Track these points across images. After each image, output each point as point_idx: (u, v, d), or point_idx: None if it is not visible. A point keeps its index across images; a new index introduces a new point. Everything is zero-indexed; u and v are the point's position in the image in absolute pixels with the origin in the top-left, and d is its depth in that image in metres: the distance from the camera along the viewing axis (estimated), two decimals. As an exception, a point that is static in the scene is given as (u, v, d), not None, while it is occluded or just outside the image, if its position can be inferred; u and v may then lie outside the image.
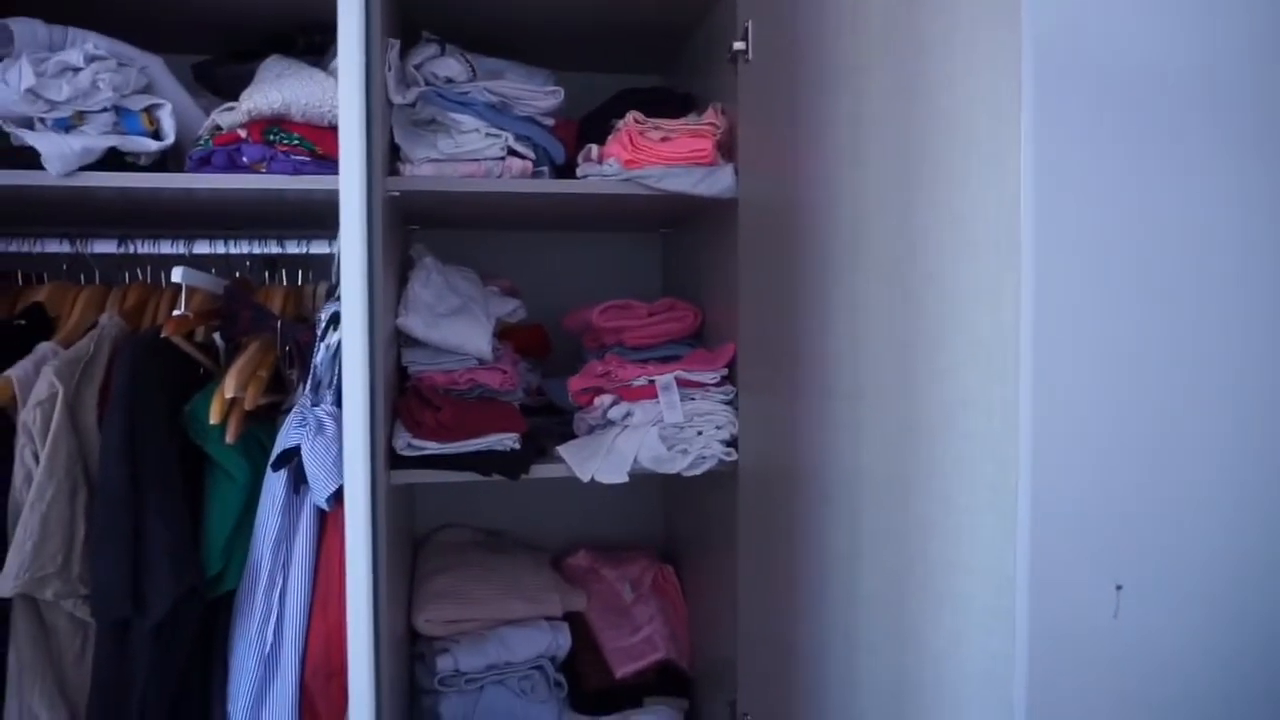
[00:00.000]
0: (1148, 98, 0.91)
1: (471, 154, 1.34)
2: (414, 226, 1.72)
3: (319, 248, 1.45)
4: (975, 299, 0.86)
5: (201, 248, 1.42)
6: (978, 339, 0.86)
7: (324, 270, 1.49)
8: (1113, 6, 0.91)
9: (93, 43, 1.22)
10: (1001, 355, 0.82)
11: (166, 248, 1.41)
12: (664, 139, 1.35)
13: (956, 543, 0.89)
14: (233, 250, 1.43)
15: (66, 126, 1.21)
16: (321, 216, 1.34)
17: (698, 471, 1.35)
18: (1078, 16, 0.90)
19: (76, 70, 1.20)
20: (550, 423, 1.53)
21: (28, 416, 1.13)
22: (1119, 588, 0.92)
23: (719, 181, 1.35)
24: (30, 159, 1.20)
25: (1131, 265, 0.90)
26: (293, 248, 1.45)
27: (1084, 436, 0.89)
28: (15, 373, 1.17)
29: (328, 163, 1.28)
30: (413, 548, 1.75)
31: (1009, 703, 0.82)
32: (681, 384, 1.36)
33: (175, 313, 1.29)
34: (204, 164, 1.27)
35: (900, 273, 0.98)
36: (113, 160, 1.25)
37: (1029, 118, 0.77)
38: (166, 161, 1.31)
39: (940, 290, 0.91)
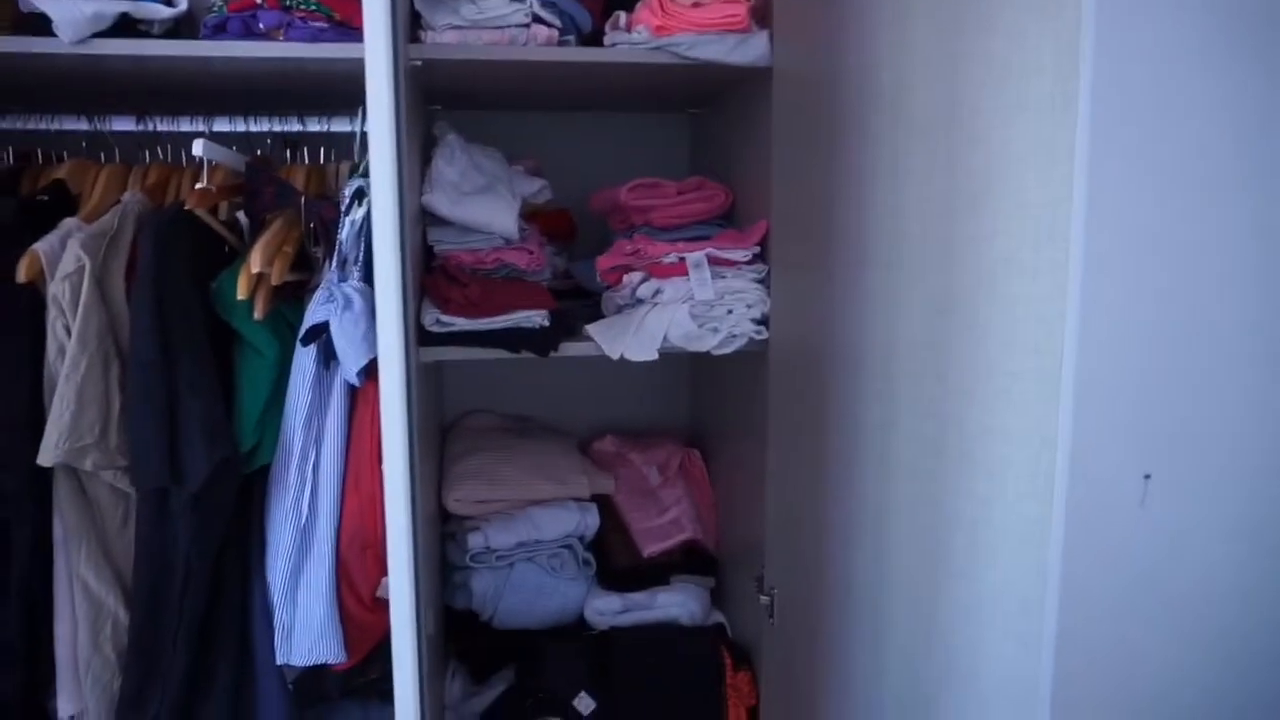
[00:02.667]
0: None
1: (495, 20, 1.28)
2: (436, 106, 1.68)
3: (340, 125, 1.42)
4: (1024, 159, 0.82)
5: (221, 125, 1.39)
6: (1025, 201, 0.82)
7: (345, 149, 1.46)
8: None
9: (98, -99, 1.17)
10: (1051, 216, 0.78)
11: (186, 125, 1.39)
12: (695, 4, 1.28)
13: (995, 409, 0.87)
14: (253, 128, 1.41)
15: (77, -9, 1.17)
16: (341, 93, 1.31)
17: (728, 350, 1.34)
18: None
19: (83, -69, 1.15)
20: (578, 305, 1.51)
21: (56, 289, 1.13)
22: (1147, 477, 0.90)
23: (753, 49, 1.29)
24: (43, 27, 1.16)
25: (1191, 143, 0.85)
26: (314, 125, 1.42)
27: (1129, 306, 0.86)
28: (41, 247, 1.16)
29: (346, 30, 1.24)
30: (440, 433, 1.77)
31: (1042, 566, 0.82)
32: (712, 261, 1.33)
33: (198, 186, 1.27)
34: (219, 31, 1.23)
35: (943, 135, 0.94)
36: (125, 29, 1.21)
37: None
38: (180, 30, 1.27)
39: (986, 152, 0.87)
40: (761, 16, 1.31)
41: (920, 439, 1.00)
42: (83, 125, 1.36)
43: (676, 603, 1.60)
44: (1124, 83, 0.82)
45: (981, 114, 0.88)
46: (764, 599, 1.37)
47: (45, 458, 1.12)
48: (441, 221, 1.38)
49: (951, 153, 0.91)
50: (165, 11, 1.22)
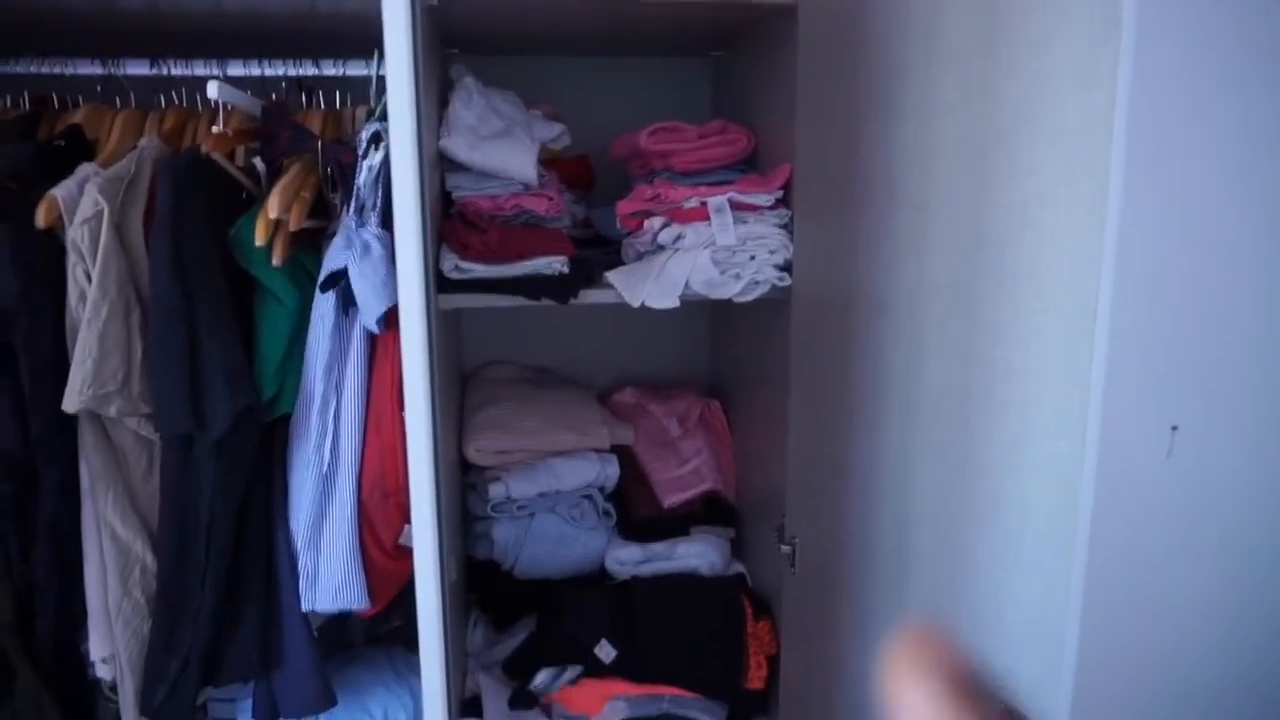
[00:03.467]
0: None
1: (512, -44, 1.25)
2: (452, 50, 1.65)
3: (356, 69, 1.39)
4: (1061, 86, 0.79)
5: (235, 69, 1.37)
6: (1061, 131, 0.79)
7: (361, 94, 1.44)
8: None
9: None
10: (1089, 145, 0.76)
11: (200, 69, 1.37)
12: (719, -61, 1.25)
13: (1024, 348, 0.85)
14: (268, 72, 1.39)
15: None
16: (355, 36, 1.28)
17: (750, 297, 1.32)
18: None
19: None
20: (598, 253, 1.49)
21: (75, 234, 1.12)
22: (1175, 428, 0.88)
23: (777, -14, 1.25)
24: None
25: (1242, 65, 0.81)
26: (329, 69, 1.40)
27: (1167, 247, 0.83)
28: (59, 192, 1.15)
29: (360, -31, 1.21)
30: (460, 384, 1.77)
31: (1072, 509, 0.80)
32: (734, 207, 1.31)
33: (214, 130, 1.25)
34: (232, -29, 1.21)
35: (977, 64, 0.90)
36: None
37: None
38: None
39: (1022, 80, 0.84)
40: (787, -50, 1.27)
41: (947, 382, 0.98)
42: (97, 69, 1.35)
43: (696, 553, 1.60)
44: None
45: (1018, 39, 0.84)
46: (784, 549, 1.37)
47: (70, 403, 1.12)
48: (459, 167, 1.36)
49: (985, 83, 0.88)
50: (177, -48, 1.20)
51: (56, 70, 1.33)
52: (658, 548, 1.62)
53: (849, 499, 1.21)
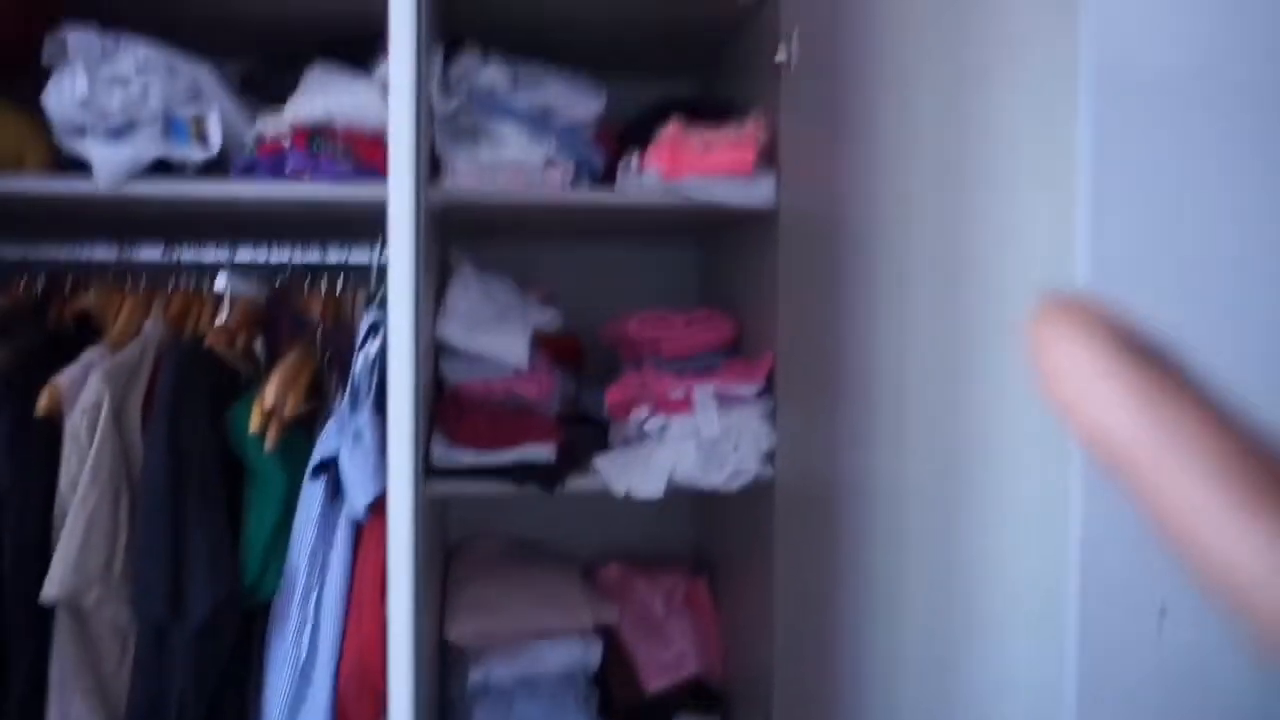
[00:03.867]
0: None
1: (513, 163, 1.34)
2: (451, 233, 1.73)
3: (359, 256, 1.46)
4: (1023, 295, 0.84)
5: (244, 255, 1.44)
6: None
7: (362, 278, 1.50)
8: None
9: (143, 51, 1.24)
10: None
11: (210, 255, 1.43)
12: (705, 149, 1.34)
13: (1002, 555, 0.87)
14: (275, 258, 1.45)
15: (117, 134, 1.23)
16: (360, 224, 1.35)
17: (735, 486, 1.34)
18: None
19: (127, 81, 1.22)
20: (586, 433, 1.52)
21: (75, 423, 1.15)
22: (1164, 612, 0.89)
23: (759, 192, 1.34)
24: (80, 165, 1.22)
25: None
26: (334, 256, 1.46)
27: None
28: (63, 379, 1.19)
29: (369, 172, 1.29)
30: (444, 562, 1.75)
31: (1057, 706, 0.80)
32: (719, 398, 1.35)
33: (218, 323, 1.30)
34: (249, 172, 1.28)
35: (947, 293, 0.96)
36: (159, 166, 1.26)
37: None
38: (212, 168, 1.33)
39: (984, 284, 0.90)
40: (768, 159, 1.36)
41: (929, 587, 0.99)
42: (112, 255, 1.40)
43: (681, 743, 1.55)
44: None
45: (983, 261, 0.90)
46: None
47: (50, 593, 1.11)
48: (453, 351, 1.40)
49: (959, 304, 0.94)
50: (199, 154, 1.27)
51: (74, 256, 1.38)
52: (641, 735, 1.56)
53: (836, 689, 1.19)
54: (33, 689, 1.16)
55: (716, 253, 1.79)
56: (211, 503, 1.17)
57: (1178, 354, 0.22)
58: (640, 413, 1.36)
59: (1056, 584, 0.80)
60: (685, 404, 1.34)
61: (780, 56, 1.29)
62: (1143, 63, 0.84)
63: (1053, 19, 0.80)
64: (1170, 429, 0.19)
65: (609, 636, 1.61)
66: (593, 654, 1.56)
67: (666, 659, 1.59)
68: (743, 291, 1.58)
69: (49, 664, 1.17)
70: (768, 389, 1.40)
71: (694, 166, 1.33)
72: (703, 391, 1.33)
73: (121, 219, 1.47)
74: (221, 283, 1.28)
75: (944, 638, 0.96)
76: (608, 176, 1.44)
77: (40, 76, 1.23)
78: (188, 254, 1.43)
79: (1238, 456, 0.19)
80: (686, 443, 1.32)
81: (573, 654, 1.54)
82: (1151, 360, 0.21)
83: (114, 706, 1.19)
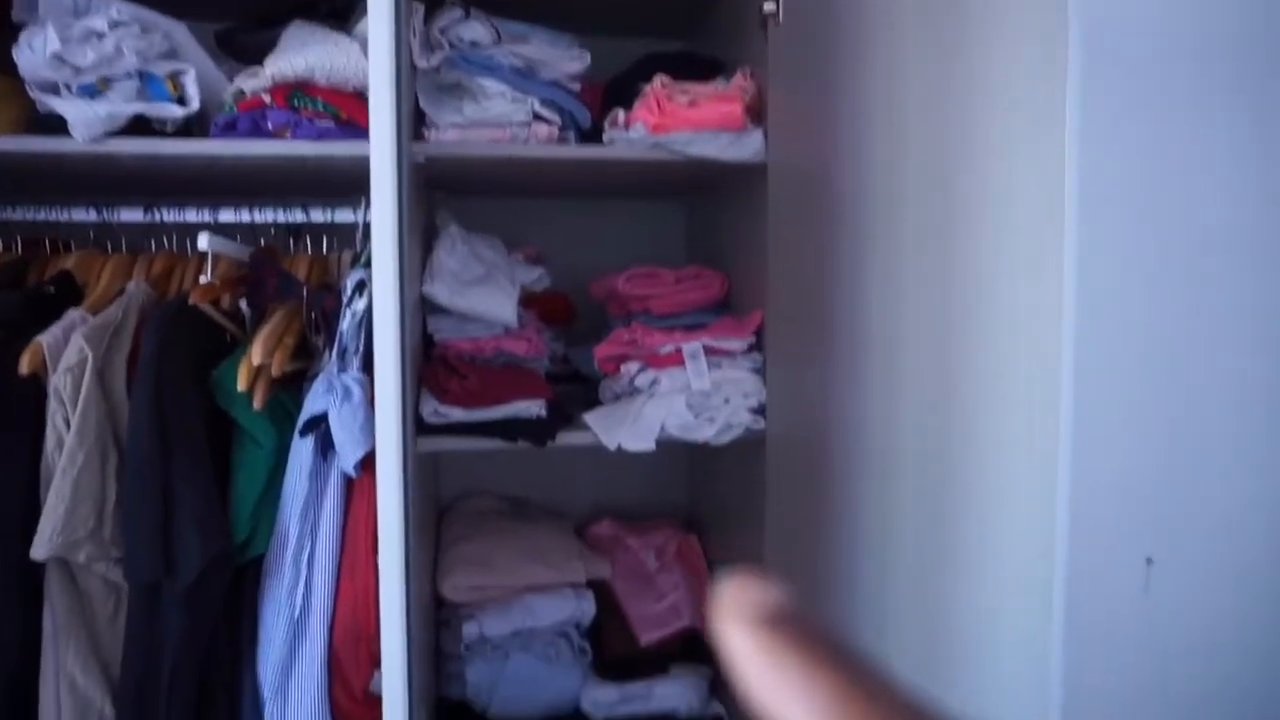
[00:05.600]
0: None
1: (497, 119, 1.32)
2: (438, 192, 1.71)
3: (343, 215, 1.44)
4: (1013, 271, 0.84)
5: (226, 216, 1.42)
6: (1016, 307, 0.84)
7: (348, 238, 1.49)
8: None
9: (116, 8, 1.21)
10: (1044, 327, 0.80)
11: (192, 216, 1.41)
12: (691, 103, 1.33)
13: (995, 501, 0.88)
14: (258, 218, 1.43)
15: (92, 93, 1.21)
16: (343, 184, 1.34)
17: (725, 440, 1.34)
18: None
19: (101, 36, 1.19)
20: (576, 390, 1.52)
21: (59, 381, 1.14)
22: (1149, 561, 0.90)
23: (747, 146, 1.33)
24: (57, 126, 1.20)
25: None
26: (317, 215, 1.45)
27: (1125, 403, 0.87)
28: (45, 338, 1.17)
29: (352, 128, 1.28)
30: (437, 516, 1.76)
31: (1045, 662, 0.81)
32: (709, 352, 1.35)
33: (202, 279, 1.29)
34: (229, 130, 1.26)
35: (938, 241, 0.96)
36: (138, 126, 1.24)
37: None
38: (191, 127, 1.31)
39: (980, 260, 0.89)
40: (756, 115, 1.35)
41: (920, 534, 1.00)
42: (92, 216, 1.39)
43: (674, 693, 1.57)
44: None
45: (975, 215, 0.90)
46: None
47: (39, 551, 1.11)
48: (441, 310, 1.40)
49: (945, 253, 0.94)
50: (178, 111, 1.25)
51: (51, 217, 1.36)
52: (635, 688, 1.58)
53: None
54: (25, 647, 1.16)
55: (704, 211, 1.78)
56: (199, 460, 1.16)
57: (809, 622, 0.28)
58: (630, 368, 1.36)
59: (1046, 533, 0.80)
60: (675, 359, 1.34)
61: (769, 6, 1.28)
62: (1132, 12, 0.83)
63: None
64: (787, 693, 0.27)
65: (602, 591, 1.63)
66: (586, 608, 1.58)
67: (659, 612, 1.61)
68: (731, 249, 1.57)
69: (41, 622, 1.17)
70: (758, 344, 1.40)
71: (682, 121, 1.32)
72: (692, 346, 1.33)
73: (101, 180, 1.45)
74: (204, 242, 1.26)
75: (934, 588, 0.97)
76: (594, 133, 1.42)
77: (9, 35, 1.20)
78: (169, 215, 1.42)
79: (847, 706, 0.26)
80: (677, 397, 1.32)
81: (566, 608, 1.56)
82: (787, 636, 0.28)
83: (107, 663, 1.19)
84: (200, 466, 1.16)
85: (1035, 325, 0.80)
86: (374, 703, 1.21)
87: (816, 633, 0.28)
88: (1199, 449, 0.83)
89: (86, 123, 1.17)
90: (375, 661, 1.20)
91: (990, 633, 0.88)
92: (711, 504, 1.77)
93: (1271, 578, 0.86)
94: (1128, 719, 0.83)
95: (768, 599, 0.31)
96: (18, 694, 1.17)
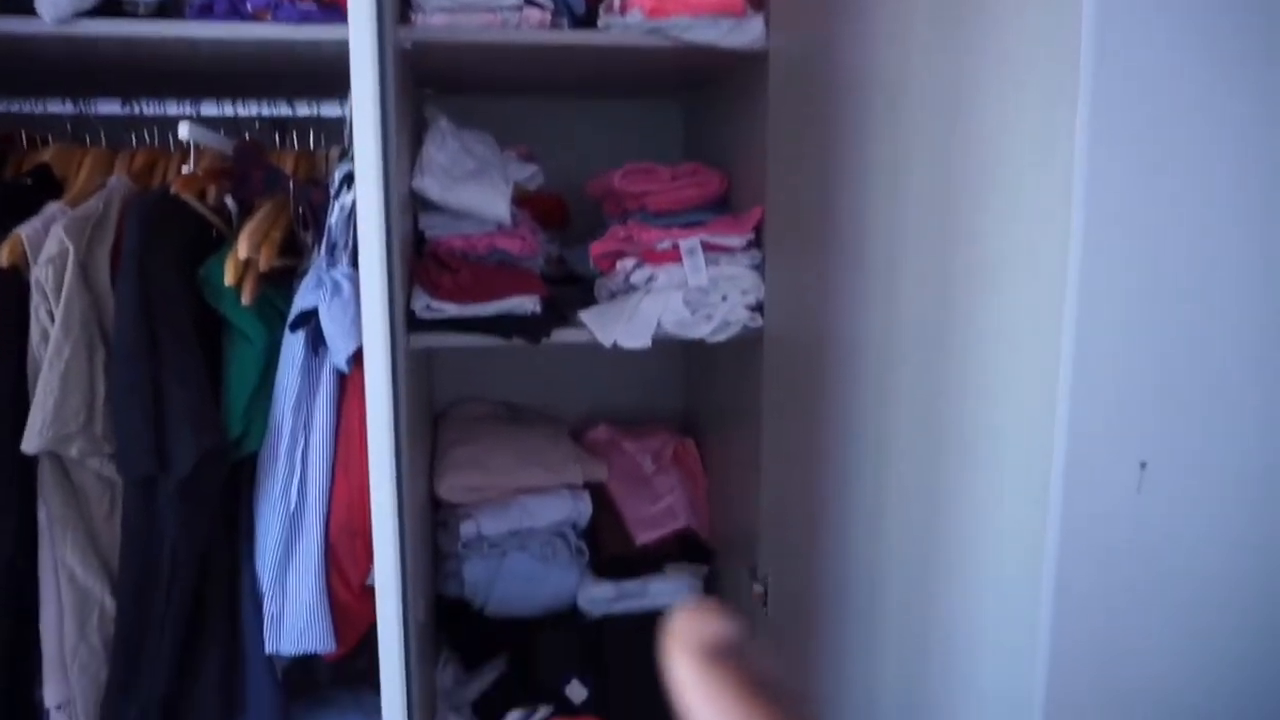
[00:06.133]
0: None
1: (487, 3, 1.26)
2: (427, 91, 1.66)
3: (330, 110, 1.39)
4: (1023, 152, 0.81)
5: (209, 109, 1.37)
6: (1023, 194, 0.81)
7: (336, 134, 1.44)
8: None
9: (81, -122, 1.15)
10: (1049, 205, 0.77)
11: (172, 109, 1.36)
12: (690, -14, 1.26)
13: (994, 398, 0.86)
14: (241, 112, 1.38)
15: (59, -30, 1.15)
16: (331, 76, 1.28)
17: (722, 337, 1.33)
18: None
19: (64, -93, 1.13)
20: (571, 292, 1.50)
21: (39, 273, 1.11)
22: (1144, 465, 0.89)
23: (748, 33, 1.27)
24: (25, 7, 1.14)
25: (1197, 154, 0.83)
26: (303, 109, 1.40)
27: (1129, 292, 0.85)
28: (24, 230, 1.14)
29: (335, 11, 1.22)
30: (432, 421, 1.75)
31: (1039, 555, 0.81)
32: (706, 248, 1.32)
33: (184, 169, 1.25)
34: (206, 12, 1.21)
35: (943, 124, 0.92)
36: (110, 9, 1.19)
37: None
38: (166, 9, 1.25)
39: (985, 144, 0.86)
40: (757, 0, 1.29)
41: (918, 426, 0.99)
42: (68, 108, 1.34)
43: (670, 591, 1.59)
44: (1127, 72, 0.81)
45: (982, 103, 0.86)
46: (757, 588, 1.36)
47: (29, 444, 1.10)
48: (432, 207, 1.36)
49: (951, 144, 0.90)
50: (150, -9, 1.20)
51: (26, 109, 1.31)
52: (631, 586, 1.61)
53: (821, 539, 1.21)
54: (21, 542, 1.16)
55: (702, 110, 1.72)
56: (189, 354, 1.14)
57: (751, 659, 0.32)
58: (626, 264, 1.34)
59: (1043, 433, 0.79)
60: (672, 255, 1.31)
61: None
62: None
63: None
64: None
65: (598, 494, 1.64)
66: (583, 509, 1.59)
67: (655, 513, 1.62)
68: (730, 149, 1.53)
69: (36, 518, 1.17)
70: (757, 241, 1.37)
71: (680, 5, 1.27)
72: (690, 241, 1.30)
73: (76, 71, 1.39)
74: (185, 131, 1.22)
75: (930, 486, 0.97)
76: (589, 20, 1.36)
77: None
78: (149, 108, 1.37)
79: None
80: (674, 293, 1.29)
81: (563, 509, 1.57)
82: (727, 671, 0.31)
83: (106, 557, 1.20)
84: (190, 360, 1.15)
85: (1040, 223, 0.78)
86: (372, 596, 1.22)
87: (755, 671, 0.32)
88: (1195, 355, 0.81)
89: (54, 2, 1.12)
90: (372, 556, 1.20)
91: (985, 530, 0.88)
92: (708, 408, 1.76)
93: (1262, 482, 0.85)
94: (1117, 616, 0.84)
95: (715, 632, 0.35)
96: (18, 588, 1.18)
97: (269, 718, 1.25)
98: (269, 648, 1.23)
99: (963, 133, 0.88)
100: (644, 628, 1.55)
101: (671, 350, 1.84)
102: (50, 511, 1.16)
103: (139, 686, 1.18)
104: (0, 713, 1.20)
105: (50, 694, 1.19)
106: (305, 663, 1.39)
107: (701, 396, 1.81)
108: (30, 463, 1.15)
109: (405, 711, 1.19)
